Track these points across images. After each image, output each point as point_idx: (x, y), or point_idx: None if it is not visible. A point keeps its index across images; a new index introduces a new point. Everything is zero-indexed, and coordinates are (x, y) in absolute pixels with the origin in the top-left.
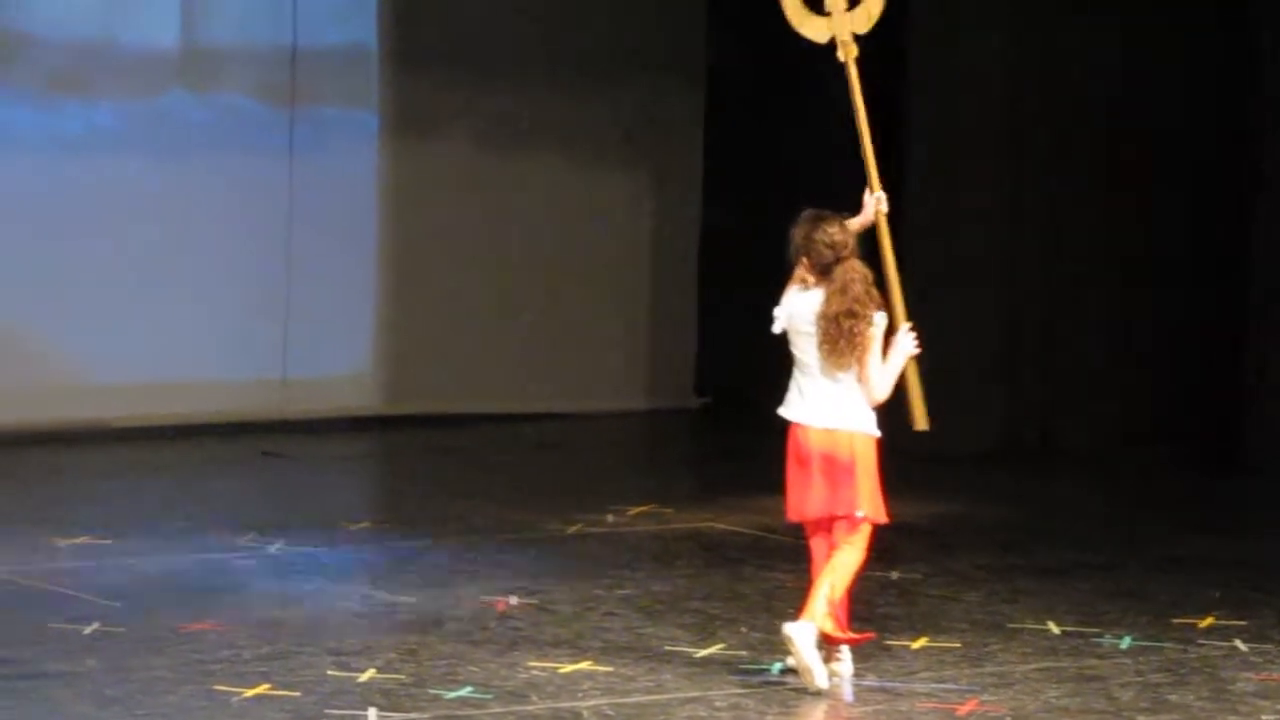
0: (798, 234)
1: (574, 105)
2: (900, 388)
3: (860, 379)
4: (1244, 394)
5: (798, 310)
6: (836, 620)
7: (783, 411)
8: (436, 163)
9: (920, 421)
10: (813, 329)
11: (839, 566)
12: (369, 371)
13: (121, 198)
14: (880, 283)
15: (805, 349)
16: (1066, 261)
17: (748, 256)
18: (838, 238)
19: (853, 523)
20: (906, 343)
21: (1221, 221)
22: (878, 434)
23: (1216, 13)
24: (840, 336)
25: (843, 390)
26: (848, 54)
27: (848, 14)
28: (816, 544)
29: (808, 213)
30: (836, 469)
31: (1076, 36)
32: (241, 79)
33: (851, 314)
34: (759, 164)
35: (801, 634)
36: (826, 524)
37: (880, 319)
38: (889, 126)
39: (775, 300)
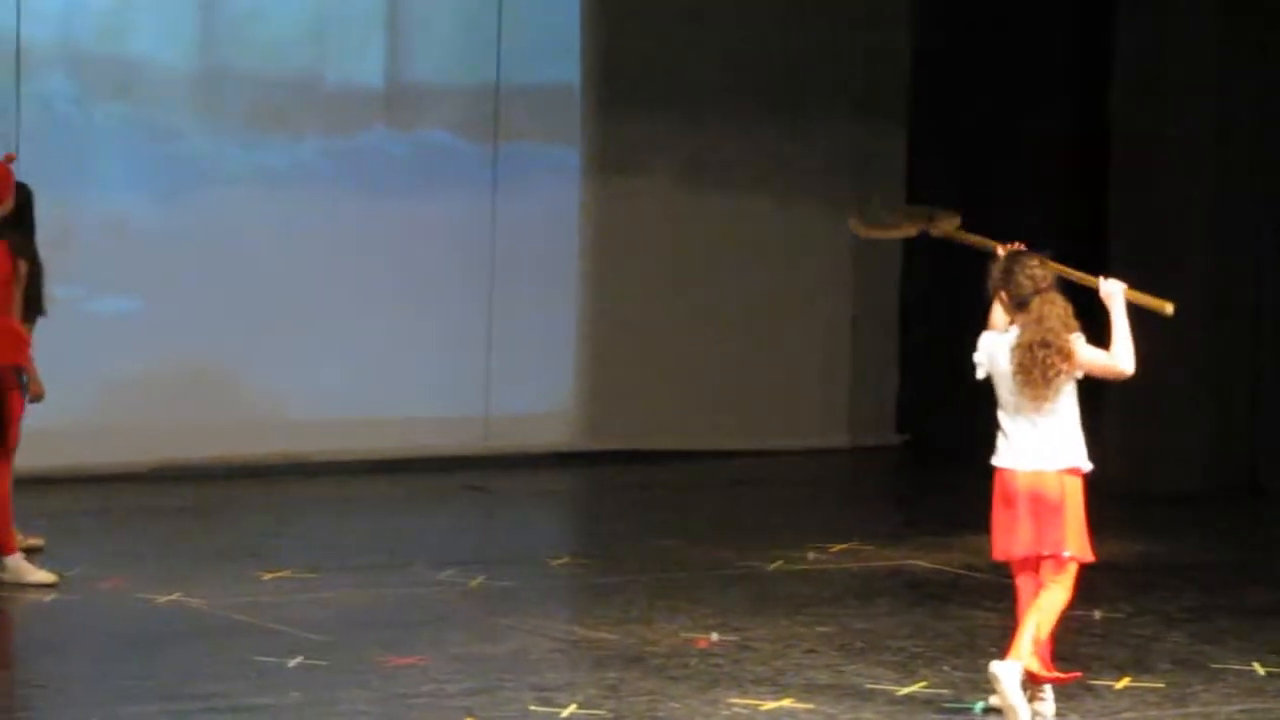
0: (997, 269)
1: (777, 142)
2: (1136, 317)
3: (1103, 373)
4: None
5: (997, 352)
6: (1042, 659)
7: (994, 460)
8: (638, 199)
9: (1167, 306)
10: (1010, 367)
11: (1045, 606)
12: (571, 407)
13: (324, 233)
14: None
15: (1006, 390)
16: (1274, 293)
17: (950, 293)
18: (1038, 272)
19: (1060, 562)
20: (1111, 286)
21: None
22: (1088, 467)
23: None
24: (1034, 366)
25: (1048, 427)
26: (944, 230)
27: (927, 223)
28: (1023, 582)
29: (1009, 248)
30: (1044, 508)
31: None
32: (445, 115)
33: (1045, 344)
34: (961, 200)
35: (1007, 673)
36: (1033, 563)
37: (1079, 338)
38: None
39: (977, 334)
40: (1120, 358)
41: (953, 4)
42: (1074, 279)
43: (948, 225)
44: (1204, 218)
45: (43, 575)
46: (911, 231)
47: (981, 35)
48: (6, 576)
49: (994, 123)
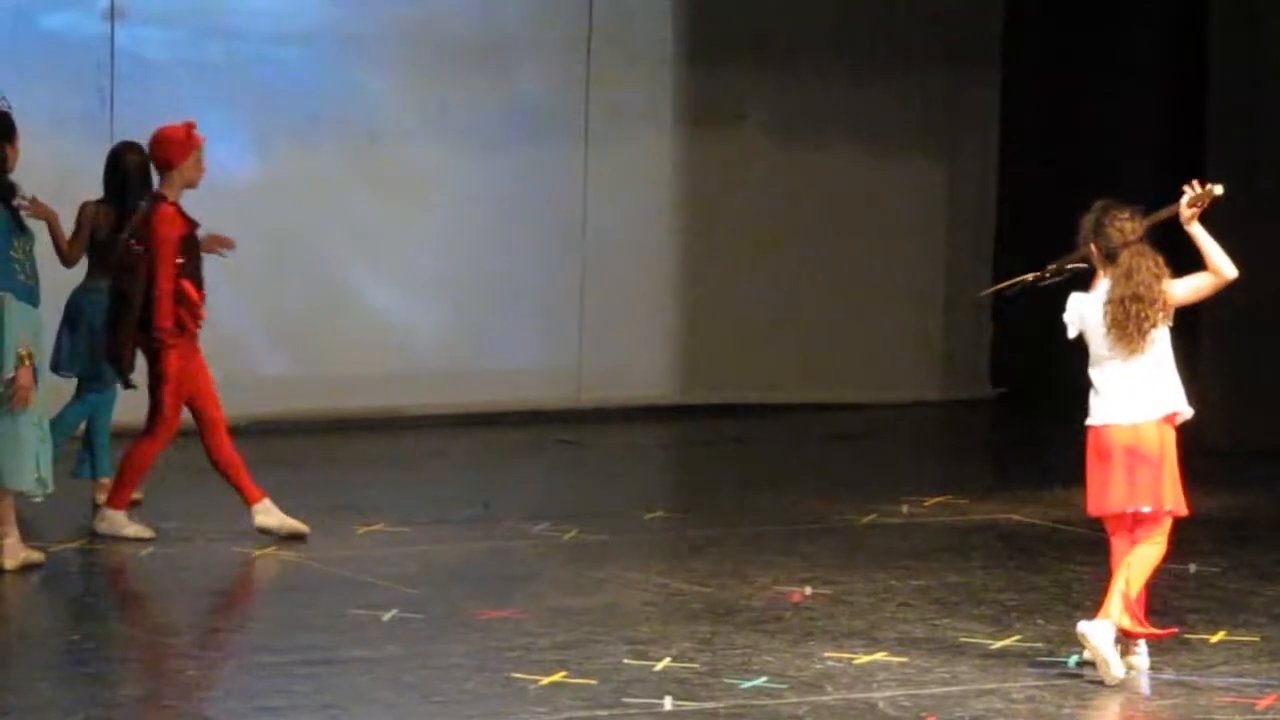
0: (1088, 221)
1: (870, 96)
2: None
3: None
4: None
5: (1087, 310)
6: (1133, 615)
7: (1089, 420)
8: (731, 154)
9: (1216, 188)
10: (1102, 321)
11: (1138, 561)
12: (664, 361)
13: (416, 185)
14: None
15: (1099, 345)
16: None
17: (1045, 245)
18: (1127, 225)
19: (1156, 517)
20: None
21: None
22: (1189, 412)
23: None
24: (1128, 320)
25: (1141, 378)
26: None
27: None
28: (1118, 538)
29: (1100, 202)
30: (1140, 462)
31: None
32: (537, 67)
33: (1137, 297)
34: (1054, 154)
35: (1097, 632)
36: (1128, 518)
37: (1171, 282)
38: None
39: (1070, 289)
40: (1220, 266)
41: None
42: (1163, 219)
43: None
44: None
45: (139, 529)
46: (1028, 278)
47: None
48: (104, 528)
49: (1088, 66)
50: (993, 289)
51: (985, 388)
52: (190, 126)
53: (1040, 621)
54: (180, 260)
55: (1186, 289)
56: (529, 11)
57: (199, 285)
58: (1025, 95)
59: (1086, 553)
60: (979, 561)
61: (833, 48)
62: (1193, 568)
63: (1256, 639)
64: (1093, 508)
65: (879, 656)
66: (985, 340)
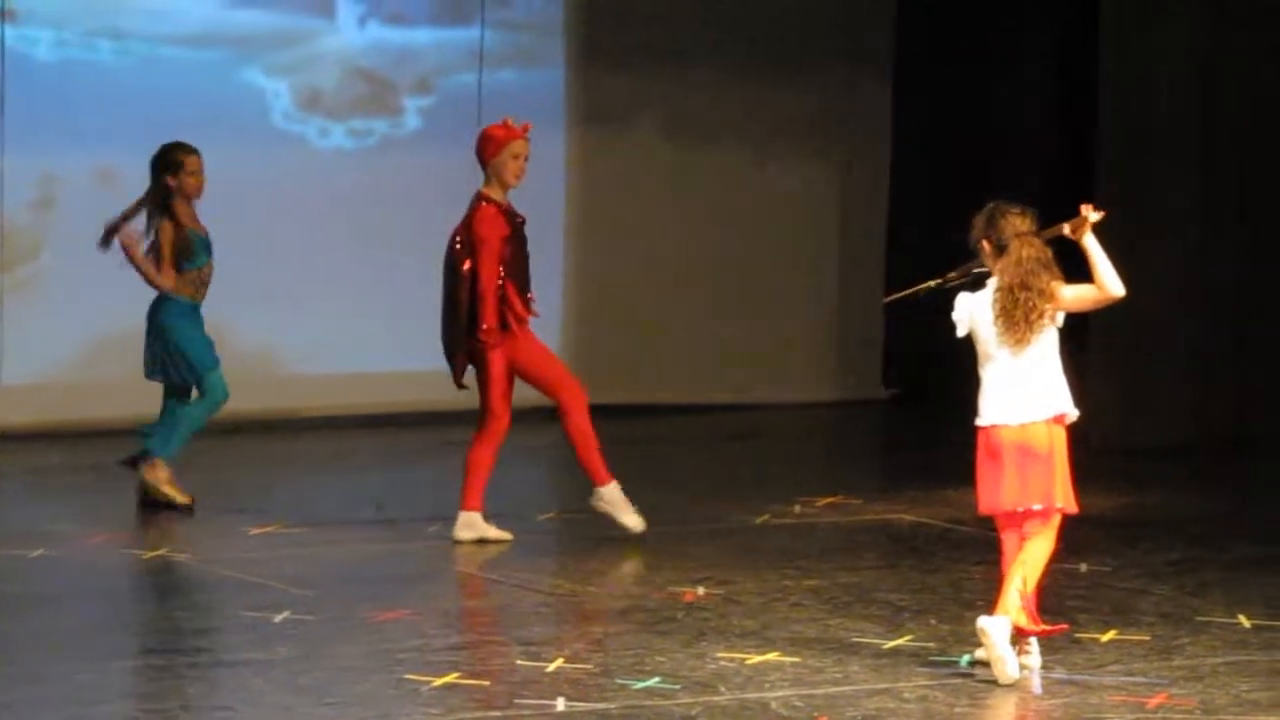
0: (980, 218)
1: (762, 96)
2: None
3: (1094, 304)
4: None
5: (976, 306)
6: (1029, 613)
7: (978, 421)
8: (624, 155)
9: (1092, 215)
10: (991, 311)
11: (1030, 559)
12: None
13: (311, 185)
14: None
15: (988, 341)
16: (1262, 249)
17: (936, 247)
18: (1018, 219)
19: (1046, 514)
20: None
21: None
22: (1075, 413)
23: None
24: (1016, 308)
25: (1032, 375)
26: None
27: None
28: (1008, 536)
29: (992, 200)
30: (1030, 460)
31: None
32: (427, 67)
33: (1025, 285)
34: (947, 156)
35: (995, 627)
36: (1018, 516)
37: (1059, 283)
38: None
39: (967, 287)
40: (1106, 282)
41: None
42: (1050, 235)
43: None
44: (1191, 158)
45: (498, 532)
46: (932, 284)
47: None
48: (465, 535)
49: (980, 68)
50: (897, 295)
51: (878, 388)
52: (507, 123)
53: (932, 621)
54: (504, 260)
55: (1073, 295)
56: (426, 9)
57: (525, 284)
58: (918, 96)
59: (979, 552)
60: (871, 561)
61: (725, 48)
62: (1084, 567)
63: (1147, 638)
64: (984, 506)
65: (771, 657)
66: (878, 341)
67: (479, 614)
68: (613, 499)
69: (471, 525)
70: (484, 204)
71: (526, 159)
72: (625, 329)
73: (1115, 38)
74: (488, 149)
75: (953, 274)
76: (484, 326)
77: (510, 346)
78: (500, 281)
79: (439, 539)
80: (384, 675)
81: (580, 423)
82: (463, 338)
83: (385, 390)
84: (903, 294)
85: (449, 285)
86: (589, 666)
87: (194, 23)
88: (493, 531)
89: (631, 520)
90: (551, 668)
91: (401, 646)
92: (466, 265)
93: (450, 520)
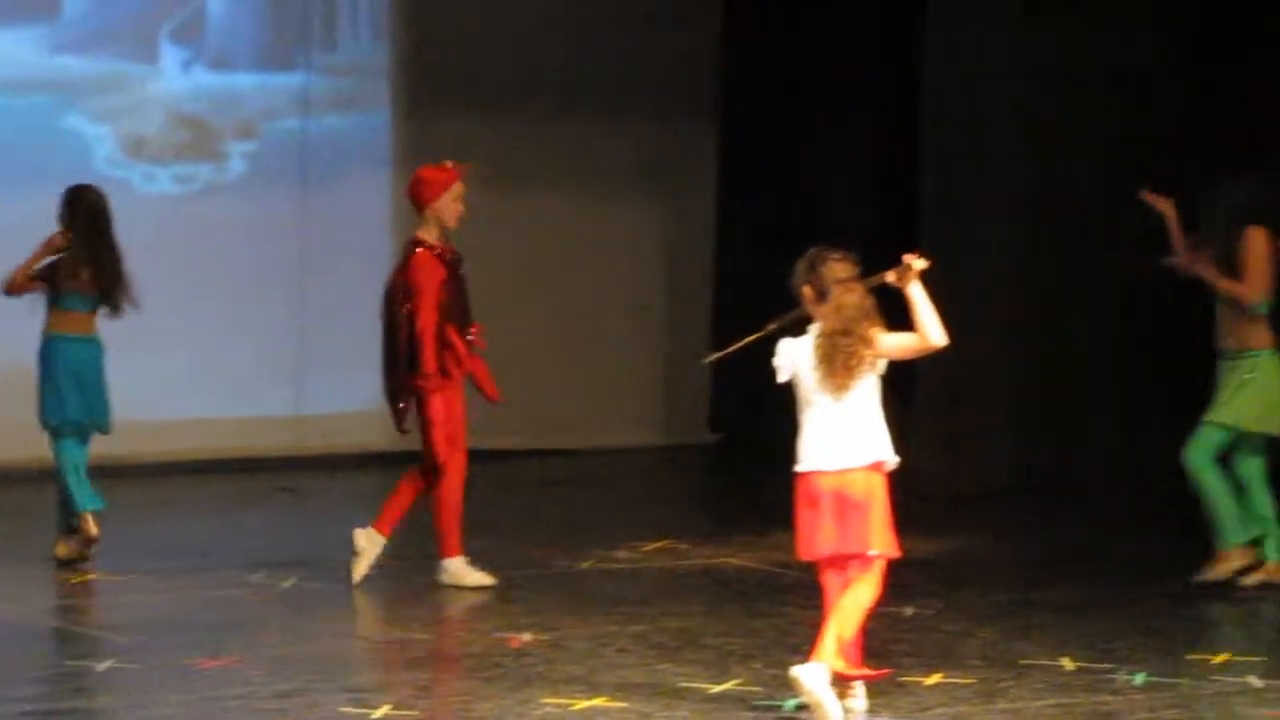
0: (802, 265)
1: (589, 143)
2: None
3: (915, 353)
4: None
5: (798, 353)
6: (847, 658)
7: (797, 467)
8: None
9: (916, 263)
10: (812, 357)
11: (851, 604)
12: (383, 407)
13: (132, 230)
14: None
15: (809, 387)
16: (1083, 294)
17: (761, 292)
18: (839, 266)
19: (866, 560)
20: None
21: None
22: (894, 461)
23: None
24: (836, 354)
25: (849, 425)
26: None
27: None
28: (830, 580)
29: (813, 247)
30: (848, 507)
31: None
32: (253, 111)
33: (846, 331)
34: (772, 201)
35: (810, 675)
36: (839, 561)
37: (879, 330)
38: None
39: (790, 335)
40: (928, 331)
41: (761, 2)
42: (874, 283)
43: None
44: (1013, 216)
45: (480, 577)
46: (752, 338)
47: (791, 30)
48: (446, 579)
49: (806, 115)
50: (717, 355)
51: (704, 433)
52: (445, 166)
53: (758, 665)
54: (443, 304)
55: (894, 343)
56: (250, 54)
57: (465, 323)
58: (744, 143)
59: (804, 596)
60: (698, 606)
61: (552, 94)
62: (909, 611)
63: (972, 681)
64: (803, 552)
65: (598, 702)
66: (704, 386)
67: (305, 661)
68: (456, 571)
69: (454, 572)
70: (419, 250)
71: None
72: None
73: (938, 83)
74: (428, 192)
75: (771, 325)
76: (425, 372)
77: (450, 392)
78: (439, 326)
79: (264, 585)
80: None
81: (453, 492)
82: (404, 383)
83: (210, 436)
84: (724, 353)
85: (387, 331)
86: (415, 713)
87: (16, 68)
88: (475, 577)
89: (477, 579)
90: (377, 715)
91: (226, 694)
92: (405, 309)
93: (278, 567)
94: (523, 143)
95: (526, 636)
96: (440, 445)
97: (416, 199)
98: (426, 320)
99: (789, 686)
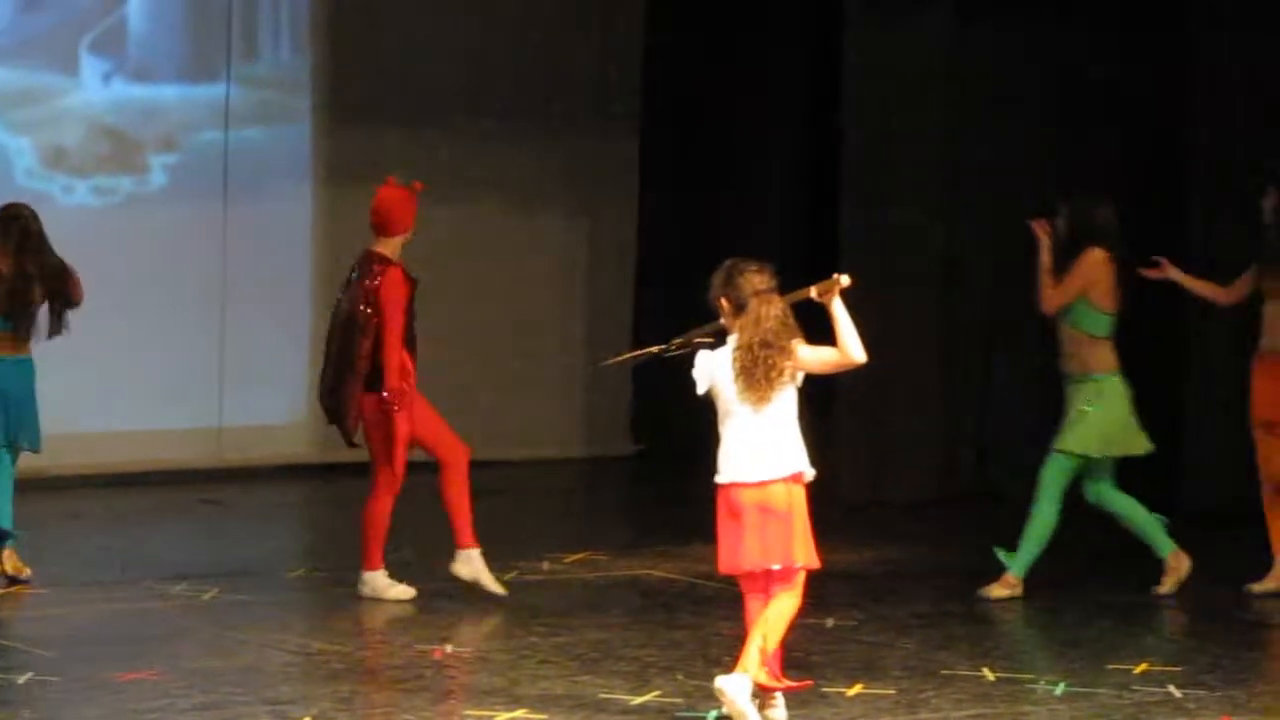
0: (718, 277)
1: (510, 152)
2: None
3: (835, 368)
4: (1180, 435)
5: (716, 365)
6: (770, 670)
7: (718, 478)
8: (369, 212)
9: (842, 279)
10: (731, 369)
11: (774, 616)
12: (305, 419)
13: (57, 243)
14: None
15: (728, 399)
16: (1003, 308)
17: (682, 305)
18: (756, 277)
19: (788, 572)
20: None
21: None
22: (811, 473)
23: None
24: (756, 366)
25: (768, 437)
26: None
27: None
28: (752, 594)
29: (729, 259)
30: (770, 519)
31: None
32: (172, 122)
33: (766, 344)
34: (695, 209)
35: (733, 687)
36: (761, 575)
37: (799, 341)
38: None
39: (711, 346)
40: (849, 348)
41: (685, 6)
42: (797, 298)
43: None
44: (935, 228)
45: (401, 590)
46: (653, 350)
47: (715, 36)
48: (366, 591)
49: (727, 120)
50: (615, 360)
51: (626, 445)
52: (415, 186)
53: (679, 677)
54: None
55: (814, 357)
56: (171, 67)
57: (414, 343)
58: (666, 151)
59: (725, 608)
60: (619, 618)
61: (472, 104)
62: (831, 622)
63: (893, 691)
64: (725, 565)
65: (519, 714)
66: (626, 398)
67: (225, 674)
68: (376, 585)
69: (375, 585)
70: (391, 267)
71: None
72: None
73: (859, 94)
74: (407, 214)
75: (676, 341)
76: (391, 389)
77: (411, 407)
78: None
79: (184, 597)
80: None
81: (384, 505)
82: (357, 396)
83: (130, 448)
84: (621, 359)
85: (345, 344)
86: None
87: None
88: (396, 590)
89: (398, 592)
90: None
91: (146, 707)
92: (374, 321)
93: (200, 579)
94: (443, 154)
95: (448, 648)
96: (400, 461)
97: (393, 224)
98: (395, 339)
99: (711, 698)
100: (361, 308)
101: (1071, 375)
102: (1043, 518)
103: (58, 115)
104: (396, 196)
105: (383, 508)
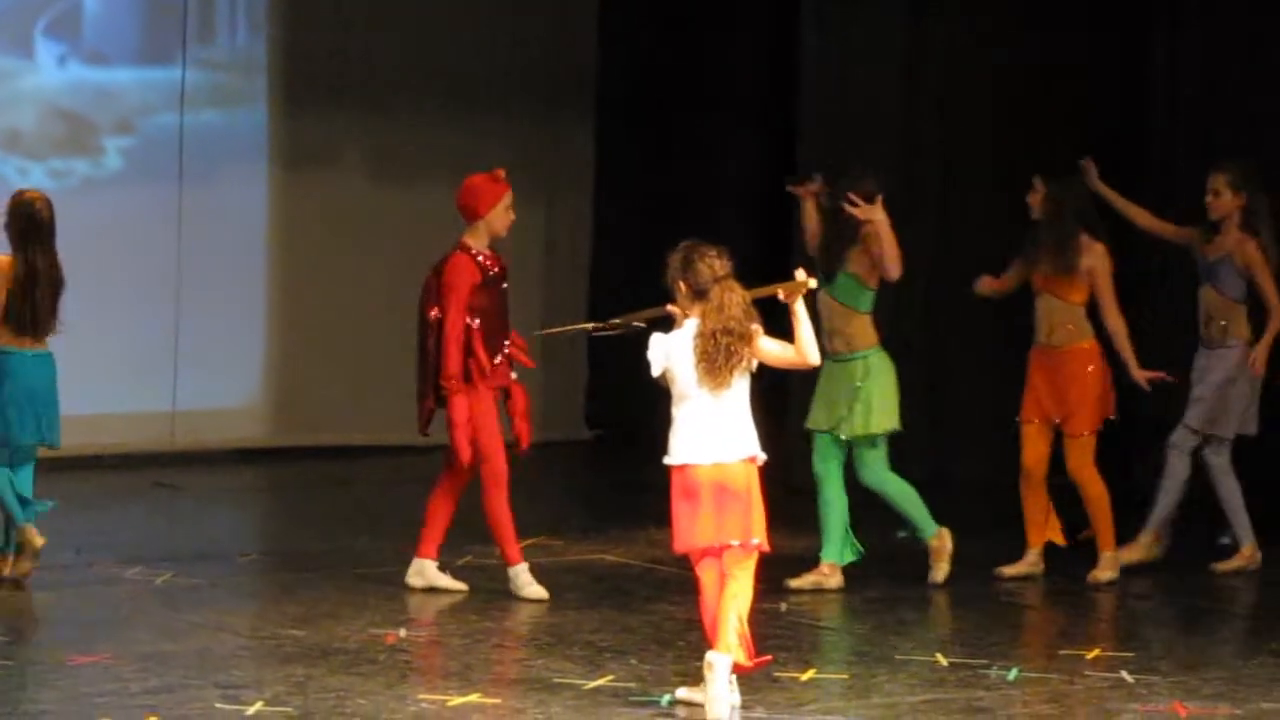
0: (675, 259)
1: (464, 139)
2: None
3: (788, 365)
4: (1138, 425)
5: (673, 348)
6: (747, 650)
7: (668, 460)
8: (326, 195)
9: (810, 282)
10: (691, 356)
11: (741, 594)
12: (259, 403)
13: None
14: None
15: (685, 382)
16: (955, 300)
17: (638, 289)
18: (715, 262)
19: (746, 550)
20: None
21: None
22: (763, 457)
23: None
24: (718, 353)
25: (726, 418)
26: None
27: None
28: (706, 573)
29: (686, 241)
30: (728, 498)
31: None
32: (128, 105)
33: (729, 331)
34: (650, 196)
35: (722, 665)
36: (715, 553)
37: (759, 330)
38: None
39: (648, 330)
40: (806, 349)
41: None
42: (762, 294)
43: (624, 319)
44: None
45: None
46: (587, 326)
47: (672, 21)
48: (418, 581)
49: (682, 107)
50: (548, 331)
51: (581, 430)
52: (496, 175)
53: (633, 661)
54: (475, 308)
55: (772, 350)
56: (126, 49)
57: (496, 332)
58: (620, 137)
59: (679, 593)
60: (573, 602)
61: (428, 88)
62: (784, 606)
63: (846, 676)
64: (680, 545)
65: (473, 698)
66: (581, 383)
67: (178, 657)
68: (517, 580)
69: (423, 573)
70: (458, 252)
71: None
72: (327, 371)
73: (817, 80)
74: (482, 205)
75: (615, 320)
76: (446, 373)
77: (473, 394)
78: (467, 330)
79: (137, 581)
80: None
81: (494, 501)
82: (430, 384)
83: (84, 432)
84: (554, 330)
85: (420, 332)
86: (289, 710)
87: None
88: (445, 580)
89: (535, 591)
90: (251, 711)
91: (98, 690)
92: (434, 312)
93: (153, 562)
94: (401, 139)
95: (402, 633)
96: (464, 447)
97: (469, 210)
98: (454, 322)
99: (663, 682)
100: (429, 294)
101: (838, 355)
102: (897, 489)
103: (12, 98)
104: (475, 181)
105: (497, 504)
